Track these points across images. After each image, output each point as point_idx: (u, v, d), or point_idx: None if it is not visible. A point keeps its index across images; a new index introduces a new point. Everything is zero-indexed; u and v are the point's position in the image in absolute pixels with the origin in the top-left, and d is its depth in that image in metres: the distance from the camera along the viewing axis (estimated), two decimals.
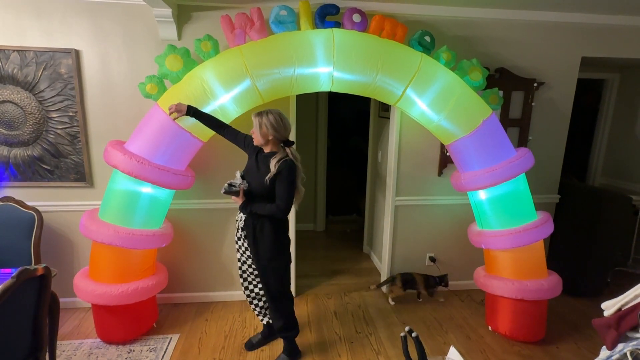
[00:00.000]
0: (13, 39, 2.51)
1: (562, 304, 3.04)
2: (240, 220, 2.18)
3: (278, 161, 2.01)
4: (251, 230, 2.11)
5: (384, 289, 3.19)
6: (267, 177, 2.00)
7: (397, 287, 2.99)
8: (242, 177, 2.08)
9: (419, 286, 3.01)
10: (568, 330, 2.72)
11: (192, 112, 2.14)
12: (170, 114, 2.13)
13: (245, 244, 2.21)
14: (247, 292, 2.37)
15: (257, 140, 2.07)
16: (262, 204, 2.05)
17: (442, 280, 3.01)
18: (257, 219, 2.09)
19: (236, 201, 2.06)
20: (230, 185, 2.02)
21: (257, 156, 2.12)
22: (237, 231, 2.22)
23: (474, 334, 2.68)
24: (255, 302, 2.40)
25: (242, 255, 2.28)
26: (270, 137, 2.04)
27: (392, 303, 3.04)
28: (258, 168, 2.08)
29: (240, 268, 2.32)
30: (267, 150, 2.11)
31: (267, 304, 2.37)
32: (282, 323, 2.25)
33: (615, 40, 3.01)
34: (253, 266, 2.27)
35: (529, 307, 2.48)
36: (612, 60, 3.31)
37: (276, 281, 2.17)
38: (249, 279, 2.33)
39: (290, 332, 2.30)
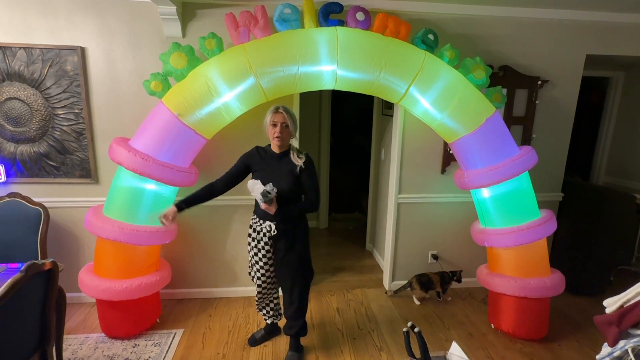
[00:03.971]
0: (20, 37, 2.53)
1: (565, 302, 3.04)
2: (271, 230, 2.06)
3: (299, 155, 2.04)
4: (286, 237, 2.07)
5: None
6: (297, 170, 2.00)
7: (417, 290, 2.99)
8: (264, 184, 1.95)
9: (436, 285, 3.01)
10: (570, 328, 2.72)
11: (184, 204, 2.08)
12: (163, 224, 2.04)
13: (271, 253, 2.13)
14: (265, 297, 2.34)
15: (286, 139, 2.04)
16: (294, 205, 2.04)
17: (455, 274, 3.02)
18: (291, 225, 2.06)
19: (270, 210, 1.95)
20: (266, 194, 1.91)
21: (272, 160, 2.08)
22: (262, 241, 2.10)
23: (476, 331, 2.69)
24: (271, 305, 2.43)
25: (265, 264, 2.17)
26: (293, 135, 2.07)
27: (417, 303, 3.03)
28: (280, 170, 2.04)
29: (262, 276, 2.21)
30: (282, 149, 2.08)
31: (277, 306, 2.46)
32: (301, 325, 2.27)
33: (620, 38, 2.99)
34: (273, 272, 2.22)
35: (531, 305, 2.48)
36: (617, 58, 3.29)
37: (304, 287, 2.20)
38: (269, 286, 2.28)
39: (305, 332, 2.33)
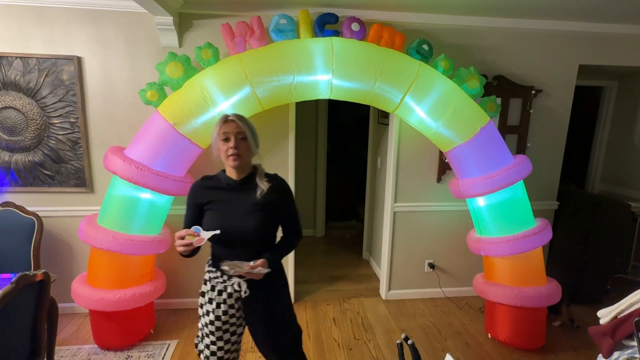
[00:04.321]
0: (16, 46, 2.54)
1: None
2: (242, 290, 1.51)
3: (270, 179, 1.55)
4: (264, 297, 1.55)
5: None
6: (267, 199, 1.48)
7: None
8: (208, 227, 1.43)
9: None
10: (567, 337, 2.71)
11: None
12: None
13: (237, 320, 1.58)
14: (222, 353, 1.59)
15: (245, 157, 1.47)
16: (279, 247, 1.57)
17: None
18: (270, 277, 1.47)
19: (258, 275, 1.41)
20: (239, 265, 1.39)
21: (230, 191, 1.51)
22: (224, 304, 1.53)
23: (473, 341, 2.67)
24: None
25: (226, 337, 1.56)
26: (253, 150, 1.51)
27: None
28: (243, 203, 1.49)
29: (217, 354, 1.56)
30: (242, 173, 1.52)
31: None
32: None
33: (613, 48, 3.03)
34: (235, 348, 1.62)
35: (528, 314, 2.48)
36: (610, 68, 3.33)
37: (298, 352, 1.69)
38: (236, 347, 1.63)
39: None
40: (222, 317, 1.53)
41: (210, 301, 1.54)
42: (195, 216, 1.52)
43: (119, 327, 2.41)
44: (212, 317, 1.54)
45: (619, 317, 1.26)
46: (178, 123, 2.26)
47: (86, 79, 2.63)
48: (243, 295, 1.50)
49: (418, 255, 3.22)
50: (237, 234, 1.46)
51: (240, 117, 1.47)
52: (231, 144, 1.43)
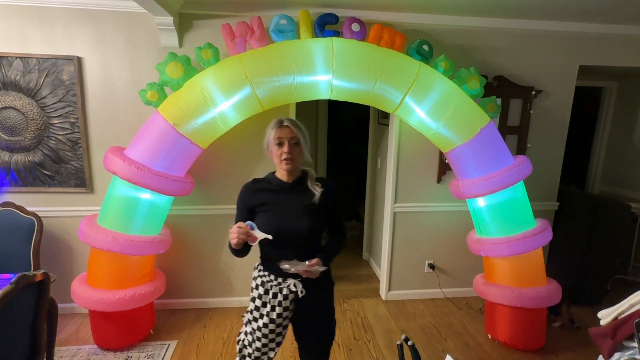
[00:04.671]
0: (16, 46, 2.54)
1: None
2: (298, 290, 1.53)
3: (322, 183, 1.58)
4: (316, 297, 1.58)
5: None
6: (318, 202, 1.53)
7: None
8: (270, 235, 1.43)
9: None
10: (567, 338, 2.71)
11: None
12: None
13: (287, 321, 1.61)
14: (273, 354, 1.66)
15: (297, 161, 1.52)
16: (328, 249, 1.60)
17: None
18: (322, 278, 1.55)
19: (317, 272, 1.45)
20: (298, 264, 1.43)
21: (282, 193, 1.55)
22: (279, 307, 1.54)
23: (473, 341, 2.67)
24: None
25: (277, 340, 1.60)
26: (305, 155, 1.56)
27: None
28: (295, 205, 1.53)
29: (277, 346, 1.61)
30: (294, 176, 1.57)
31: None
32: None
33: (613, 49, 3.03)
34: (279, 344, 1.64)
35: (528, 315, 2.47)
36: (610, 69, 3.33)
37: (328, 354, 1.73)
38: (276, 349, 1.64)
39: None
40: (277, 319, 1.54)
41: (264, 304, 1.55)
42: (245, 218, 1.52)
43: (118, 327, 2.41)
44: (265, 320, 1.55)
45: (619, 318, 1.25)
46: (178, 123, 2.26)
47: (86, 79, 2.62)
48: (300, 295, 1.53)
49: (418, 255, 3.22)
50: (291, 235, 1.48)
51: (294, 123, 1.52)
52: (285, 149, 1.48)
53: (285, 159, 1.48)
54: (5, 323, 1.45)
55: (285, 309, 1.55)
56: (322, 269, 1.44)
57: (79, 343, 2.52)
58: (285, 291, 1.53)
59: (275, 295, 1.54)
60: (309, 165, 1.63)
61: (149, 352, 2.44)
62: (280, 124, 1.50)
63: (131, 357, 2.39)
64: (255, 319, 1.57)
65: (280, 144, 1.50)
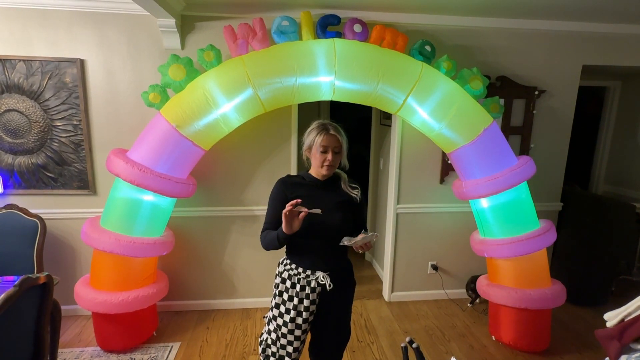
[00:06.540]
0: (19, 49, 2.55)
1: (566, 313, 3.01)
2: (326, 282, 1.59)
3: (354, 187, 1.69)
4: (341, 290, 1.66)
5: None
6: (350, 202, 1.64)
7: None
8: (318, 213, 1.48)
9: None
10: (572, 340, 2.69)
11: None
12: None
13: (315, 308, 1.63)
14: (297, 354, 1.68)
15: (335, 168, 1.63)
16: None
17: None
18: (347, 272, 1.69)
19: (370, 245, 1.54)
20: (354, 239, 1.49)
21: (316, 188, 1.64)
22: (306, 300, 1.59)
23: (477, 343, 2.65)
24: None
25: (303, 335, 1.65)
26: (343, 162, 1.67)
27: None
28: (328, 201, 1.60)
29: (302, 333, 1.64)
30: (326, 177, 1.66)
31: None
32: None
33: (616, 49, 3.02)
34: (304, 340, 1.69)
35: (532, 317, 2.46)
36: (614, 68, 3.31)
37: (342, 352, 1.81)
38: (300, 347, 1.68)
39: None
40: (304, 312, 1.59)
41: (291, 298, 1.59)
42: (280, 210, 1.50)
43: (121, 329, 2.41)
44: (292, 314, 1.59)
45: (626, 319, 1.24)
46: (181, 125, 2.26)
47: (89, 82, 2.63)
48: (328, 288, 1.58)
49: (421, 256, 3.21)
50: (324, 227, 1.55)
51: (339, 131, 1.60)
52: (329, 157, 1.57)
53: (327, 165, 1.59)
54: (9, 325, 1.45)
55: (313, 302, 1.59)
56: (375, 237, 1.49)
57: (82, 345, 2.52)
58: (313, 284, 1.59)
59: (303, 288, 1.59)
60: (344, 168, 1.71)
61: (152, 354, 2.44)
62: (326, 131, 1.57)
63: (134, 359, 2.39)
64: (281, 314, 1.61)
65: (324, 152, 1.58)
